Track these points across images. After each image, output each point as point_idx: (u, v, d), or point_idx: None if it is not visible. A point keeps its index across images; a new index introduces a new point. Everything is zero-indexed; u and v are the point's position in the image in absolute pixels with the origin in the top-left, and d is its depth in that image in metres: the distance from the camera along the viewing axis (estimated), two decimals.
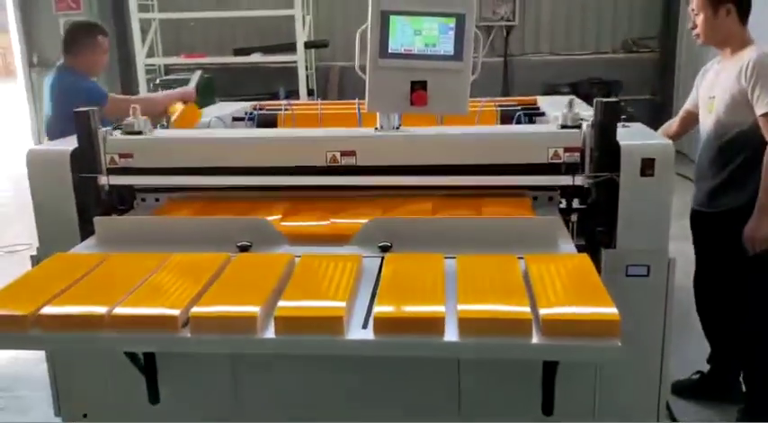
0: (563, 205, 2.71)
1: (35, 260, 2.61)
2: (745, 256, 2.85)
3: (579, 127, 2.60)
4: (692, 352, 3.35)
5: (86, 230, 2.61)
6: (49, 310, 1.81)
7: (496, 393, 2.53)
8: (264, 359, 2.53)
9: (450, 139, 2.64)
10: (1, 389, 3.51)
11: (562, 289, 1.84)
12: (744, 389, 3.16)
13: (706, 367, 3.35)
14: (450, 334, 1.71)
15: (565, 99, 4.22)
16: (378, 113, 2.72)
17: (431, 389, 2.54)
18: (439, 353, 1.91)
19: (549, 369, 2.34)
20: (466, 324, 1.71)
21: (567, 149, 2.53)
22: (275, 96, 8.97)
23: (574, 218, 2.66)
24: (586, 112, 2.86)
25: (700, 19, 2.86)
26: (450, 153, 2.60)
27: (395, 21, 2.25)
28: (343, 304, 1.78)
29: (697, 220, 3.14)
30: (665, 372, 2.54)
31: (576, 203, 2.69)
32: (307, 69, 9.34)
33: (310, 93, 9.41)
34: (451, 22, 2.24)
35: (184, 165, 2.71)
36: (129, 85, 10.03)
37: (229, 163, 2.70)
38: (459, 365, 2.50)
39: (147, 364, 2.59)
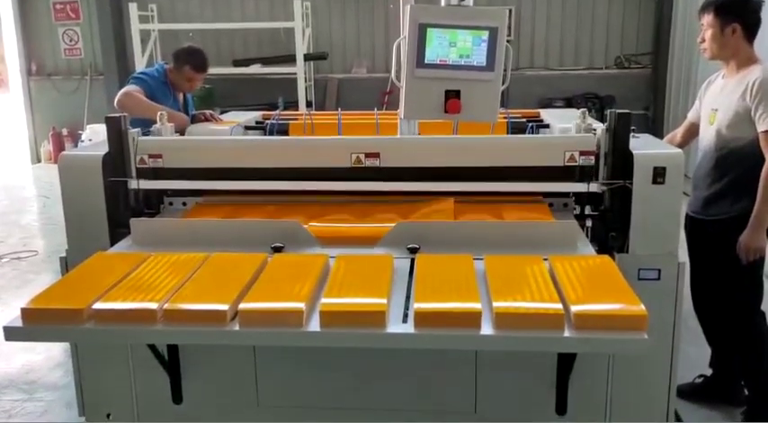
0: (577, 211, 2.82)
1: (64, 262, 2.68)
2: (738, 264, 2.95)
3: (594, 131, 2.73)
4: (694, 355, 3.45)
5: (115, 233, 2.69)
6: (102, 304, 1.89)
7: (512, 395, 2.62)
8: (286, 359, 2.62)
9: (471, 142, 2.76)
10: (22, 391, 3.57)
11: (589, 287, 1.95)
12: (746, 391, 3.26)
13: (708, 371, 3.45)
14: (486, 328, 1.81)
15: (567, 112, 4.36)
16: (399, 122, 2.83)
17: (448, 389, 2.63)
18: (476, 346, 2.01)
19: (564, 370, 2.45)
20: (501, 319, 1.81)
21: (582, 153, 2.64)
22: (274, 107, 9.08)
23: (588, 223, 2.78)
24: (597, 124, 2.98)
25: (708, 34, 2.99)
26: (471, 155, 2.71)
27: (431, 33, 2.37)
28: (384, 300, 1.88)
29: (691, 225, 3.23)
30: (675, 373, 2.64)
31: (588, 210, 2.81)
32: (306, 81, 9.46)
33: (309, 104, 9.53)
34: (484, 35, 2.36)
35: (212, 165, 2.80)
36: None
37: (257, 164, 2.79)
38: (476, 368, 2.59)
39: (171, 363, 2.66)
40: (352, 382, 2.63)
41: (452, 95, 2.44)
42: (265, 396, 2.68)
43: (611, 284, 1.99)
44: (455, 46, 2.38)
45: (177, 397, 2.71)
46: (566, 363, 2.41)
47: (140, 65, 9.22)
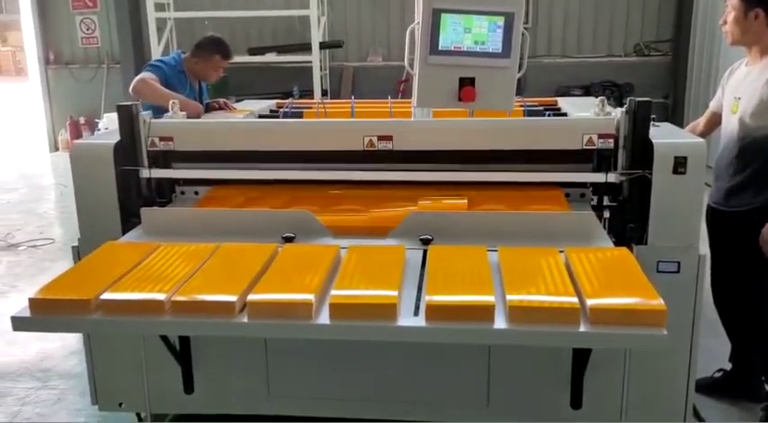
0: (594, 202, 2.76)
1: (76, 251, 2.67)
2: (761, 256, 2.88)
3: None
4: (713, 348, 3.38)
5: (127, 222, 2.68)
6: (110, 295, 1.87)
7: (525, 388, 2.58)
8: (297, 350, 2.60)
9: (486, 125, 2.70)
10: (36, 379, 3.58)
11: (606, 280, 1.90)
12: (767, 387, 3.19)
13: (728, 365, 3.38)
14: (500, 322, 1.77)
15: (585, 100, 4.28)
16: (412, 111, 2.78)
17: (460, 382, 2.60)
18: (488, 340, 1.97)
19: (579, 363, 2.40)
20: (515, 312, 1.77)
21: (601, 136, 2.58)
22: (289, 96, 9.05)
23: (605, 214, 2.71)
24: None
25: (731, 17, 2.90)
26: (487, 138, 2.66)
27: (446, 18, 2.31)
28: (395, 293, 1.84)
29: (713, 217, 3.15)
30: (694, 368, 2.58)
31: (606, 200, 2.75)
32: (321, 69, 9.41)
33: (324, 93, 9.48)
34: (501, 21, 2.30)
35: (223, 148, 2.77)
36: None
37: (269, 147, 2.76)
38: (489, 360, 2.55)
39: (183, 354, 2.65)
40: (362, 373, 2.60)
41: (467, 83, 2.39)
42: (276, 386, 2.67)
43: (629, 278, 1.93)
44: (470, 32, 2.32)
45: (189, 387, 2.71)
46: (581, 357, 2.36)
47: (156, 53, 9.22)
